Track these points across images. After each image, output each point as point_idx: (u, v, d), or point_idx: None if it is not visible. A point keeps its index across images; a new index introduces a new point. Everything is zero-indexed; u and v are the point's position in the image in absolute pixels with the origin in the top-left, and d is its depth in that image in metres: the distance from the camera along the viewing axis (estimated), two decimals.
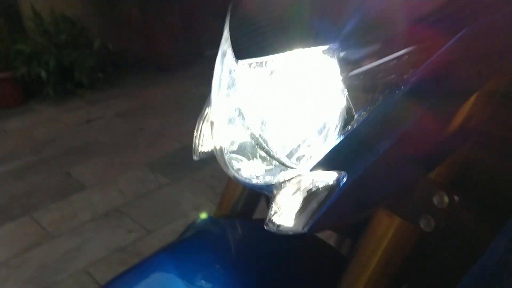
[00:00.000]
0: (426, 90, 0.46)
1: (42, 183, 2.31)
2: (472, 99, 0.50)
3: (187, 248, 0.70)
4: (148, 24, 3.59)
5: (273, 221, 0.52)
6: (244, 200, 0.78)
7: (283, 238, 0.75)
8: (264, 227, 0.76)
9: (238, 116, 0.54)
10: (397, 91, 0.45)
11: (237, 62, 0.50)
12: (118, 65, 3.69)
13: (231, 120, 0.55)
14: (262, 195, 0.81)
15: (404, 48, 0.45)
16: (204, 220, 0.79)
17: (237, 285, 0.63)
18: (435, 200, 0.53)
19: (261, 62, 0.49)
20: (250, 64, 0.49)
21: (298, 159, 0.50)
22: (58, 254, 1.81)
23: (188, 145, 2.55)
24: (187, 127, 2.71)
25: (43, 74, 3.14)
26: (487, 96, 0.51)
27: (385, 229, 0.56)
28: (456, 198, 0.54)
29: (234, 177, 0.57)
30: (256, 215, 0.78)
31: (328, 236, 0.83)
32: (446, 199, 0.53)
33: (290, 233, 0.52)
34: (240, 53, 0.50)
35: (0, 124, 3.03)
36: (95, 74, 3.43)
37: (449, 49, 0.45)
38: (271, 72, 0.49)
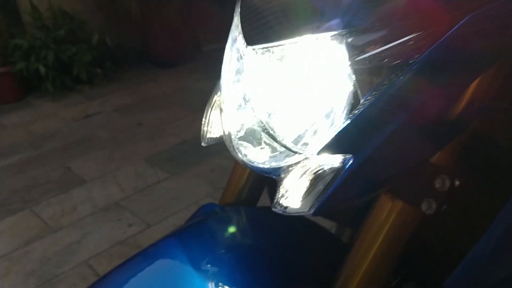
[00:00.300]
0: (430, 74, 0.47)
1: (42, 177, 2.32)
2: (475, 83, 0.52)
3: (192, 234, 0.71)
4: (147, 19, 3.59)
5: (280, 203, 0.53)
6: (249, 188, 0.79)
7: (286, 225, 0.77)
8: (267, 214, 0.77)
9: (246, 102, 0.55)
10: (402, 76, 0.47)
11: (247, 47, 0.51)
12: (117, 60, 3.68)
13: (239, 106, 0.56)
14: (266, 185, 0.82)
15: (409, 34, 0.46)
16: (210, 207, 0.80)
17: (242, 269, 0.64)
18: (437, 183, 0.54)
19: (271, 48, 0.50)
20: (260, 50, 0.50)
21: (305, 144, 0.52)
22: (59, 247, 1.81)
23: (187, 140, 2.56)
24: (186, 122, 2.74)
25: (42, 69, 3.13)
26: (490, 79, 0.52)
27: (388, 213, 0.57)
28: (457, 182, 0.56)
29: (242, 161, 0.58)
30: (260, 204, 0.80)
31: (330, 226, 0.84)
32: (447, 182, 0.55)
33: (297, 214, 0.53)
34: (250, 39, 0.51)
35: None
36: (93, 69, 3.43)
37: (454, 34, 0.46)
38: (280, 58, 0.50)
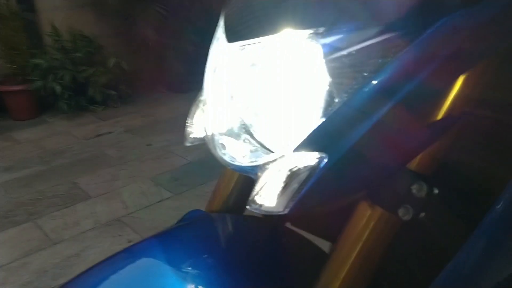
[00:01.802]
0: (406, 76, 0.48)
1: (48, 191, 2.35)
2: (455, 86, 0.52)
3: (175, 237, 0.71)
4: (163, 46, 3.68)
5: (256, 201, 0.53)
6: (235, 196, 0.79)
7: (269, 234, 0.77)
8: (251, 223, 0.78)
9: (226, 98, 0.57)
10: (377, 76, 0.48)
11: (227, 44, 0.54)
12: (131, 84, 3.77)
13: (220, 104, 0.58)
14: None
15: (385, 34, 0.47)
16: (195, 213, 0.81)
17: (219, 275, 0.64)
18: (414, 189, 0.54)
19: (250, 45, 0.52)
20: (240, 46, 0.53)
21: (281, 140, 0.53)
22: (57, 260, 1.82)
23: (192, 161, 2.59)
24: (193, 145, 2.76)
25: (58, 88, 3.22)
26: (471, 82, 0.52)
27: (367, 220, 0.57)
28: (435, 190, 0.56)
29: (222, 159, 0.59)
30: (247, 212, 0.80)
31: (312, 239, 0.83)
32: (424, 188, 0.54)
33: (271, 213, 0.53)
34: (231, 37, 0.54)
35: (13, 134, 3.11)
36: (108, 91, 3.51)
37: (430, 35, 0.47)
38: (259, 55, 0.52)
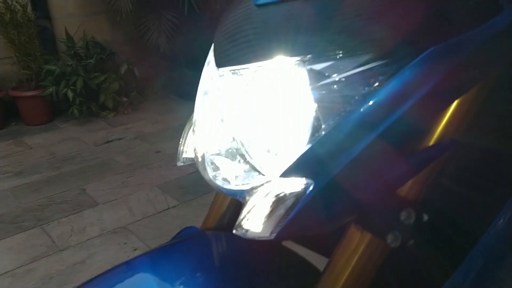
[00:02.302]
0: (392, 104, 0.48)
1: (57, 197, 2.38)
2: (445, 113, 0.52)
3: (168, 254, 0.72)
4: (174, 54, 3.71)
5: (242, 225, 0.54)
6: (230, 214, 0.80)
7: (263, 253, 0.77)
8: (245, 242, 0.78)
9: (216, 121, 0.57)
10: (364, 103, 0.48)
11: (217, 69, 0.55)
12: (143, 91, 3.80)
13: (211, 125, 0.59)
14: None
15: (372, 62, 0.48)
16: (190, 230, 0.81)
17: None
18: (403, 216, 0.54)
19: (239, 70, 0.53)
20: (228, 72, 0.53)
21: (270, 164, 0.53)
22: (63, 266, 1.84)
23: None
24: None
25: (70, 94, 3.27)
26: (460, 110, 0.52)
27: (356, 244, 0.57)
28: (425, 216, 0.55)
29: (210, 181, 0.60)
30: None
31: (306, 254, 0.83)
32: (413, 215, 0.54)
33: (258, 238, 0.54)
34: (221, 61, 0.54)
35: (25, 139, 3.15)
36: (119, 97, 3.55)
37: (416, 65, 0.47)
38: (248, 80, 0.53)
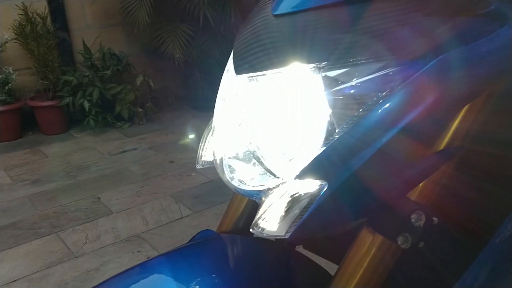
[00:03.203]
0: (406, 108, 0.50)
1: (72, 205, 2.41)
2: (458, 117, 0.53)
3: (185, 256, 0.73)
4: (189, 66, 3.76)
5: (259, 224, 0.55)
6: (246, 217, 0.81)
7: (276, 256, 0.78)
8: (259, 245, 0.79)
9: (234, 125, 0.59)
10: (376, 108, 0.50)
11: (236, 76, 0.57)
12: (158, 102, 3.86)
13: (229, 130, 0.61)
14: None
15: (384, 69, 0.50)
16: (206, 234, 0.83)
17: None
18: (413, 218, 0.55)
19: (255, 77, 0.55)
20: (246, 78, 0.55)
21: (285, 167, 0.55)
22: (78, 273, 1.86)
23: (213, 180, 2.62)
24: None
25: (86, 104, 3.33)
26: (473, 115, 0.53)
27: (368, 246, 0.58)
28: (435, 219, 0.56)
29: (228, 182, 0.61)
30: None
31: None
32: (423, 218, 0.55)
33: (274, 237, 0.55)
34: (239, 69, 0.57)
35: (42, 149, 3.21)
36: (135, 108, 3.59)
37: (427, 72, 0.49)
38: (265, 86, 0.55)
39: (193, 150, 3.04)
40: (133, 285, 0.68)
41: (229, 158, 0.61)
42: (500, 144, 0.56)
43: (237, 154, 0.60)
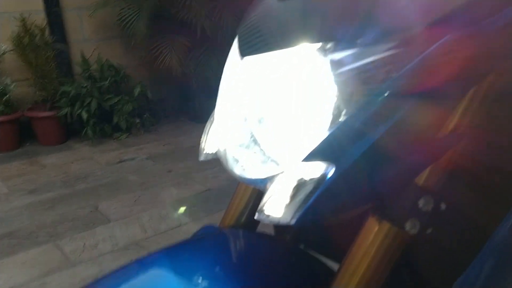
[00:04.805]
0: (414, 89, 0.50)
1: (70, 214, 2.40)
2: (465, 100, 0.53)
3: (186, 250, 0.73)
4: (186, 77, 3.78)
5: (264, 211, 0.55)
6: (249, 212, 0.81)
7: (279, 252, 0.77)
8: (262, 240, 0.79)
9: (238, 112, 0.59)
10: (383, 90, 0.50)
11: (241, 58, 0.57)
12: (155, 113, 3.87)
13: (232, 117, 0.61)
14: None
15: (390, 50, 0.50)
16: (209, 229, 0.82)
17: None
18: (421, 203, 0.55)
19: (262, 59, 0.55)
20: (251, 60, 0.56)
21: (290, 153, 0.55)
22: (75, 281, 1.84)
23: (212, 189, 2.61)
24: (213, 172, 2.80)
25: (84, 115, 3.33)
26: (480, 97, 0.53)
27: (375, 234, 0.57)
28: (443, 205, 0.56)
29: (232, 172, 0.61)
30: (260, 229, 0.81)
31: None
32: (431, 202, 0.55)
33: (279, 223, 0.55)
34: (244, 51, 0.57)
35: (39, 159, 3.20)
36: (132, 119, 3.60)
37: (435, 52, 0.49)
38: (269, 68, 0.55)
39: (191, 160, 3.06)
40: (133, 279, 0.67)
41: (233, 147, 0.61)
42: (508, 128, 0.57)
43: (240, 142, 0.60)
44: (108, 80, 3.48)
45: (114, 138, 3.54)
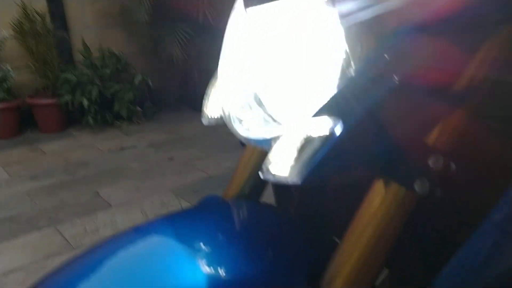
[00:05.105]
0: (424, 41, 0.48)
1: (71, 200, 2.39)
2: (480, 52, 0.51)
3: (189, 217, 0.71)
4: (188, 65, 3.76)
5: (269, 169, 0.53)
6: (252, 183, 0.79)
7: (282, 221, 0.76)
8: (265, 210, 0.77)
9: (241, 71, 0.58)
10: (394, 42, 0.48)
11: (245, 10, 0.55)
12: (156, 102, 3.85)
13: (235, 77, 0.59)
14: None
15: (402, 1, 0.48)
16: (211, 198, 0.81)
17: (233, 254, 0.63)
18: (430, 162, 0.53)
19: (266, 10, 0.53)
20: (256, 12, 0.54)
21: (294, 110, 0.53)
22: None
23: (213, 176, 2.60)
24: (215, 159, 2.79)
25: (85, 102, 3.31)
26: (495, 49, 0.51)
27: (383, 197, 0.55)
28: (453, 165, 0.54)
29: (237, 133, 0.60)
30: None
31: None
32: (441, 160, 0.53)
33: (285, 182, 0.53)
34: (249, 2, 0.55)
35: (40, 146, 3.19)
36: (133, 107, 3.58)
37: (446, 3, 0.47)
38: (275, 21, 0.53)
39: (192, 147, 3.04)
40: (132, 244, 0.66)
41: (236, 108, 0.59)
42: None
43: (244, 103, 0.59)
44: (109, 68, 3.46)
45: (115, 126, 3.53)
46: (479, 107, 0.54)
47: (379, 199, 0.56)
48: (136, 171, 2.74)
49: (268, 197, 0.82)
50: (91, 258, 0.64)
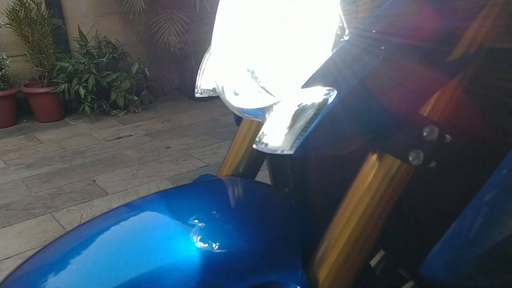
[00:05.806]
0: (419, 9, 0.47)
1: (67, 187, 2.38)
2: (478, 18, 0.49)
3: (183, 194, 0.71)
4: (185, 54, 3.74)
5: (262, 140, 0.52)
6: (246, 162, 0.79)
7: (277, 199, 0.75)
8: (259, 188, 0.76)
9: (235, 43, 0.57)
10: (389, 7, 0.47)
11: None
12: (153, 91, 3.83)
13: (229, 50, 0.58)
14: (264, 158, 0.82)
15: None
16: (206, 177, 0.80)
17: (228, 229, 0.62)
18: (425, 132, 0.52)
19: None
20: None
21: (287, 81, 0.52)
22: None
23: (210, 164, 2.59)
24: (211, 148, 2.79)
25: (82, 91, 3.29)
26: (490, 19, 0.50)
27: (377, 169, 0.54)
28: (447, 137, 0.53)
29: (231, 105, 0.59)
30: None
31: None
32: (436, 131, 0.52)
33: (278, 152, 0.52)
34: None
35: (36, 135, 3.18)
36: (130, 96, 3.56)
37: None
38: None
39: (189, 136, 3.04)
40: (127, 219, 0.65)
41: (230, 79, 0.58)
42: None
43: (238, 74, 0.58)
44: (106, 57, 3.44)
45: (112, 115, 3.51)
46: (475, 77, 0.53)
47: (373, 172, 0.55)
48: (132, 159, 2.73)
49: (265, 180, 0.82)
50: (85, 232, 0.64)
